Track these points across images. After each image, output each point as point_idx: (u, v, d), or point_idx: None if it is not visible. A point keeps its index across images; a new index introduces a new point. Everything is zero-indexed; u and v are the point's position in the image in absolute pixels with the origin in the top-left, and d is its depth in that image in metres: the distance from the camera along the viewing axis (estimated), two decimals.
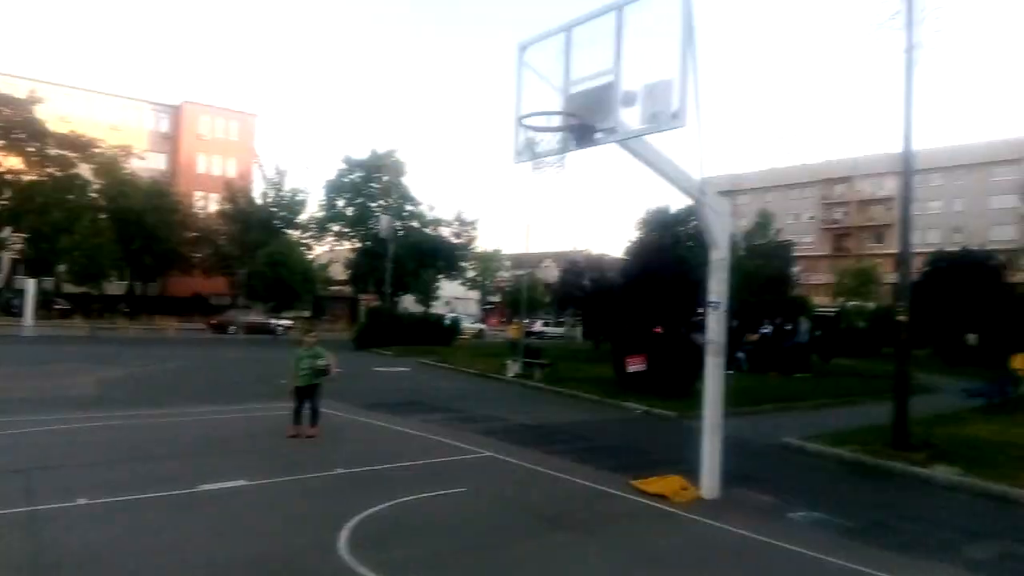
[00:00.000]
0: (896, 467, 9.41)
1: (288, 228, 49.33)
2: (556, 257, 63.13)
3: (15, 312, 37.56)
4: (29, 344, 25.59)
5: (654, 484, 7.78)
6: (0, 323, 35.41)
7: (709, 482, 7.63)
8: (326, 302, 56.00)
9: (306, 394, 10.00)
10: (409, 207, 48.35)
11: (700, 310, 11.58)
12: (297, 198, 50.09)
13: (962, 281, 29.74)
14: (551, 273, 54.05)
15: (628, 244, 33.05)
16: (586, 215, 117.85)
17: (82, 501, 6.26)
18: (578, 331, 41.76)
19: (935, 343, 30.93)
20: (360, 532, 5.77)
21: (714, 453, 7.64)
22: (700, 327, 9.50)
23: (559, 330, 48.58)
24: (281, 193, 49.85)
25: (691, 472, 7.86)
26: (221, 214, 50.24)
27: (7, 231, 43.87)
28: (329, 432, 10.15)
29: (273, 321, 38.56)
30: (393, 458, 8.76)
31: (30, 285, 33.38)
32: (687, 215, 33.21)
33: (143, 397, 13.42)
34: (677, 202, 36.40)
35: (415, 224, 48.15)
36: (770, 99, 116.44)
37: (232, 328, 36.90)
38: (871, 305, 46.87)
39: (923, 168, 55.23)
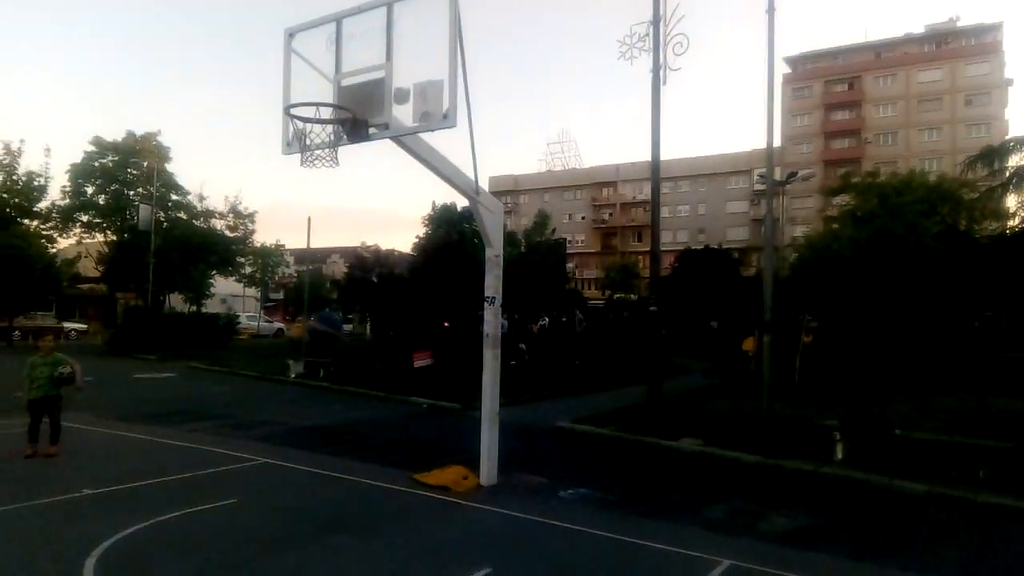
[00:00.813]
0: (650, 441, 10.54)
1: (24, 217, 42.63)
2: (344, 253, 61.53)
3: None
4: None
5: (435, 476, 7.93)
6: None
7: (487, 469, 7.94)
8: (76, 302, 49.41)
9: (44, 407, 8.77)
10: (175, 196, 44.12)
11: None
12: (35, 183, 43.44)
13: (706, 275, 34.10)
14: (339, 269, 52.53)
15: (416, 240, 33.22)
16: (373, 210, 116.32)
17: None
18: (367, 328, 41.14)
19: (684, 329, 35.07)
20: (111, 558, 5.19)
21: (492, 441, 7.96)
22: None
23: (347, 327, 47.47)
24: (15, 177, 42.90)
25: (472, 462, 8.12)
26: None
27: None
28: (77, 448, 8.99)
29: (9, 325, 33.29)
30: (153, 473, 7.97)
31: None
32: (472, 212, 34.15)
33: None
34: (463, 200, 37.27)
35: (182, 216, 44.08)
36: (547, 104, 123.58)
37: None
38: (633, 297, 51.83)
39: (673, 176, 62.49)
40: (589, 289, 61.27)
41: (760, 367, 11.89)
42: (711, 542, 6.06)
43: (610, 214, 74.83)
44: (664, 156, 12.10)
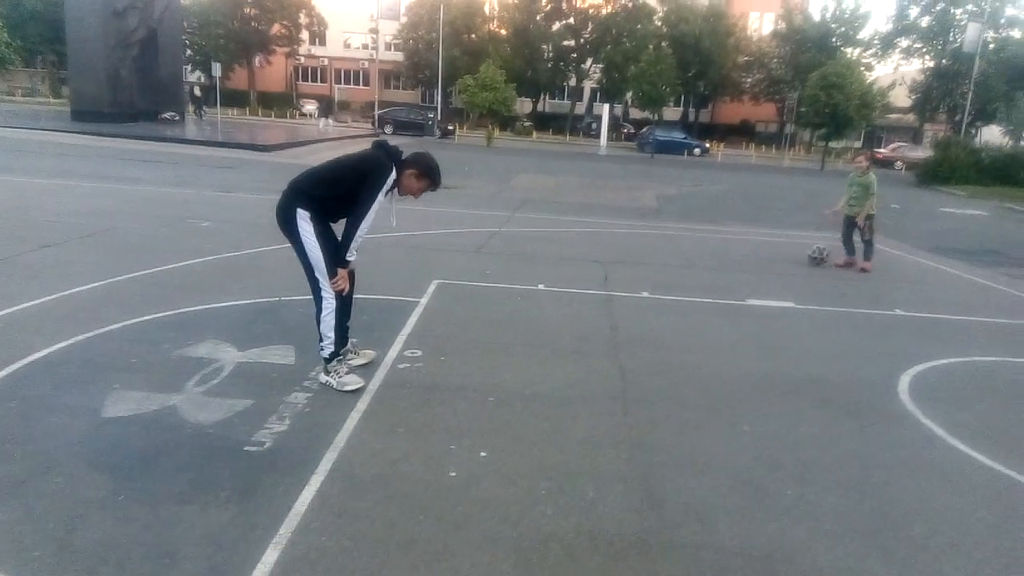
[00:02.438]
0: None
1: (846, 46, 44.54)
2: None
3: (593, 134, 44.12)
4: (603, 162, 29.85)
5: None
6: (581, 144, 42.10)
7: None
8: (882, 132, 50.11)
9: (854, 223, 9.14)
10: (1010, 10, 38.01)
11: None
12: (860, 11, 44.32)
13: None
14: None
15: None
16: None
17: (645, 294, 7.01)
18: None
19: None
20: (923, 382, 5.01)
21: None
22: None
23: None
24: (842, 6, 44.73)
25: None
26: (774, 35, 48.18)
27: (588, 62, 50.68)
28: (884, 270, 9.14)
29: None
30: (962, 310, 7.38)
31: (605, 111, 38.41)
32: None
33: (694, 213, 14.31)
34: None
35: (1015, 34, 37.88)
36: None
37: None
38: None
39: None
40: None
41: None
42: None
43: None
44: None
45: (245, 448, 3.39)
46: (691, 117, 54.89)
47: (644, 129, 42.07)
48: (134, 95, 28.30)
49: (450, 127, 39.71)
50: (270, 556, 2.60)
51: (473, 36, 49.70)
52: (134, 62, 28.33)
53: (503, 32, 51.39)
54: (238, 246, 7.83)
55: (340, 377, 4.13)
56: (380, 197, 3.94)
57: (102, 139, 21.80)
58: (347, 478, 3.19)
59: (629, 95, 48.00)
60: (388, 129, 37.00)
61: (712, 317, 6.38)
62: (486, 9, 52.61)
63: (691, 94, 52.07)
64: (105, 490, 2.95)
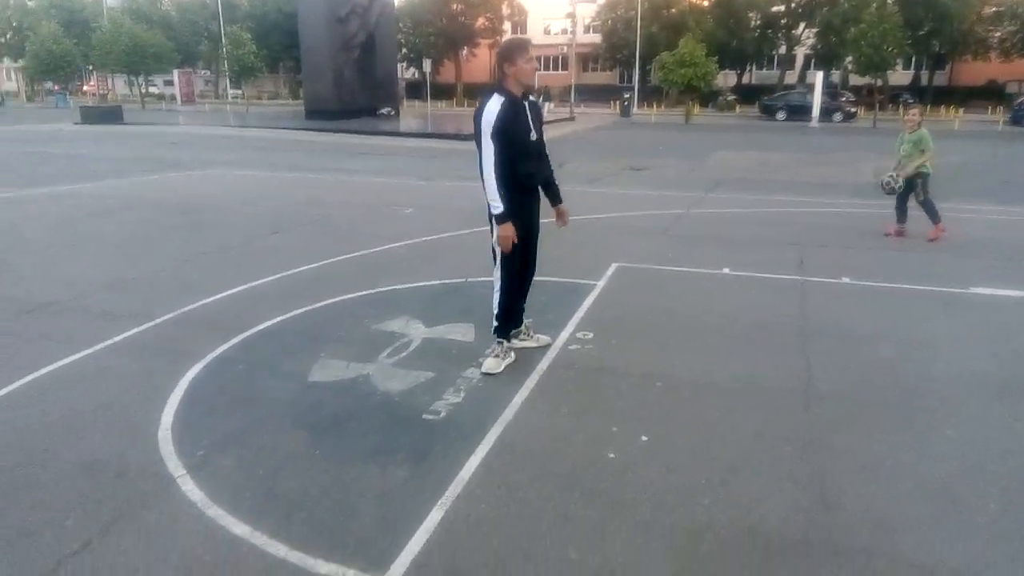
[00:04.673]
0: None
1: None
2: None
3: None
4: (815, 135, 27.56)
5: None
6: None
7: None
8: None
9: (907, 187, 8.25)
10: None
11: None
12: None
13: None
14: None
15: None
16: None
17: (845, 280, 6.43)
18: None
19: None
20: None
21: None
22: None
23: None
24: None
25: None
26: None
27: (801, 27, 46.82)
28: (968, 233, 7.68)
29: None
30: None
31: (818, 79, 35.33)
32: None
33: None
34: None
35: None
36: None
37: None
38: None
39: None
40: None
41: None
42: None
43: None
44: None
45: (423, 416, 3.69)
46: (923, 80, 48.72)
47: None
48: (356, 93, 31.21)
49: (853, 109, 36.91)
50: (435, 516, 2.82)
51: (673, 10, 48.14)
52: (355, 63, 31.22)
53: (705, 3, 49.17)
54: (435, 230, 8.40)
55: (490, 357, 4.28)
56: (487, 140, 3.76)
57: (328, 134, 24.36)
58: (511, 451, 3.36)
59: (848, 60, 43.66)
60: (780, 116, 36.57)
61: (924, 307, 5.71)
62: None
63: (924, 55, 46.15)
64: (305, 446, 3.38)
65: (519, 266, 4.21)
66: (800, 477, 3.16)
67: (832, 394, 4.02)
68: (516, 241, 3.97)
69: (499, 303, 4.25)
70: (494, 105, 3.79)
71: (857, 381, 4.20)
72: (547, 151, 4.18)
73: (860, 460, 3.31)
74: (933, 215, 8.20)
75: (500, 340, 4.33)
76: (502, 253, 4.05)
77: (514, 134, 3.83)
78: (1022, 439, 3.50)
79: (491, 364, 4.24)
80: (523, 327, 4.56)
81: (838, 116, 35.34)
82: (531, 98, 3.99)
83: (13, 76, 58.57)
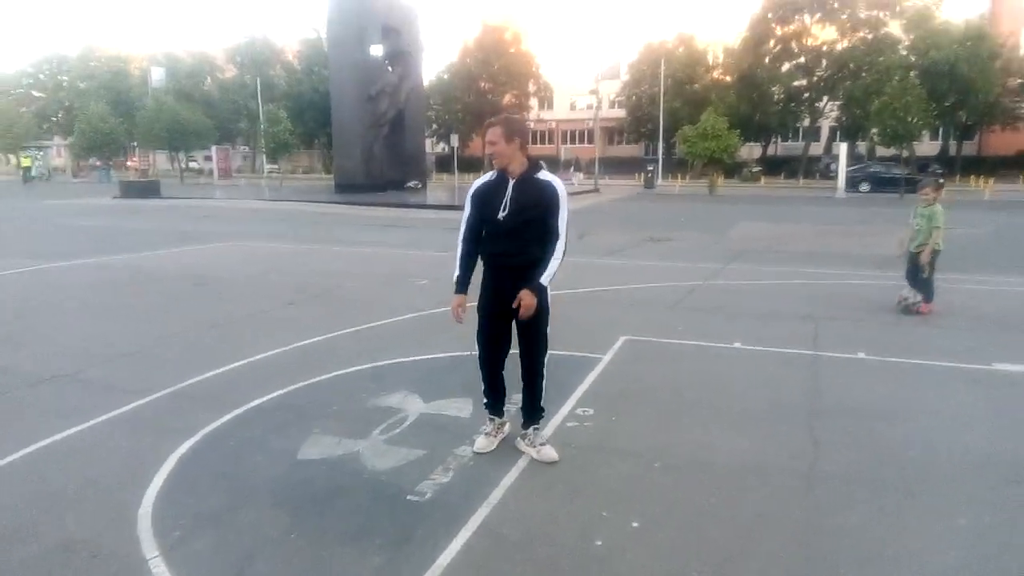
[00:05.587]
0: None
1: None
2: None
3: (832, 176, 40.89)
4: (840, 207, 27.46)
5: None
6: (816, 187, 39.25)
7: None
8: None
9: (915, 258, 8.07)
10: None
11: None
12: None
13: None
14: None
15: None
16: None
17: (861, 354, 6.23)
18: None
19: None
20: None
21: None
22: None
23: None
24: None
25: None
26: None
27: (824, 100, 47.47)
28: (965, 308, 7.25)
29: None
30: None
31: (842, 150, 35.46)
32: None
33: (943, 261, 12.54)
34: None
35: None
36: None
37: None
38: None
39: None
40: None
41: None
42: None
43: None
44: None
45: (408, 497, 3.59)
46: (951, 151, 48.61)
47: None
48: (384, 168, 32.11)
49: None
50: None
51: (696, 86, 49.23)
52: (384, 139, 32.25)
53: (727, 79, 50.22)
54: (448, 302, 8.39)
55: (481, 435, 4.22)
56: (467, 208, 4.05)
57: (356, 207, 24.95)
58: (494, 536, 3.22)
59: (873, 132, 43.92)
60: (864, 187, 35.22)
61: (943, 384, 5.49)
62: (709, 58, 51.96)
63: (950, 125, 46.20)
64: (283, 528, 3.29)
65: (498, 343, 4.08)
66: (797, 567, 2.97)
67: (838, 475, 3.83)
68: (460, 316, 4.06)
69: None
70: (474, 187, 4.02)
71: (866, 462, 4.01)
72: (550, 231, 3.80)
73: (861, 547, 3.11)
74: (928, 294, 8.02)
75: (491, 417, 4.22)
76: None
77: (482, 209, 3.91)
78: None
79: (481, 443, 4.14)
80: (494, 423, 4.23)
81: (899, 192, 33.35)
82: (540, 176, 3.81)
83: (62, 153, 61.60)
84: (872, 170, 37.56)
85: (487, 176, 3.94)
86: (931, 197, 8.12)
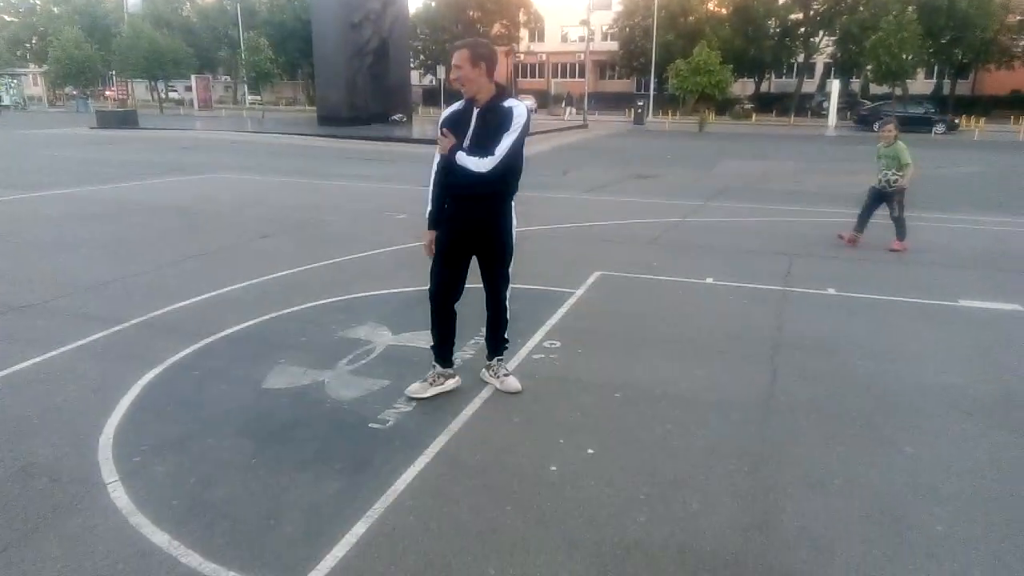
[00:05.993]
0: None
1: None
2: None
3: (823, 114, 40.46)
4: (828, 145, 27.25)
5: None
6: (808, 125, 38.86)
7: None
8: None
9: (880, 198, 8.24)
10: None
11: None
12: None
13: None
14: None
15: None
16: None
17: (831, 290, 6.29)
18: None
19: None
20: None
21: None
22: None
23: None
24: None
25: None
26: None
27: (820, 35, 46.50)
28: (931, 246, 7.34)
29: None
30: None
31: (835, 87, 34.98)
32: None
33: (921, 199, 12.53)
34: None
35: None
36: None
37: None
38: None
39: None
40: None
41: None
42: None
43: None
44: None
45: (369, 425, 3.64)
46: (945, 90, 48.05)
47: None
48: (368, 100, 31.37)
49: (956, 120, 34.56)
50: (359, 528, 2.76)
51: (690, 18, 47.99)
52: (368, 70, 31.38)
53: (723, 11, 48.95)
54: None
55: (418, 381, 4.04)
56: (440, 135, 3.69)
57: (339, 140, 24.49)
58: (451, 462, 3.29)
59: (868, 68, 43.24)
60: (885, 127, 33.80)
61: (908, 319, 5.57)
62: None
63: (946, 64, 45.52)
64: (244, 454, 3.34)
65: (451, 281, 3.87)
66: (744, 493, 3.06)
67: (796, 407, 3.91)
68: (432, 251, 3.83)
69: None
70: (452, 106, 3.81)
71: (823, 394, 4.09)
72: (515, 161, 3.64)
73: (810, 475, 3.20)
74: (902, 232, 8.08)
75: (433, 363, 4.04)
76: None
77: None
78: (980, 461, 3.36)
79: (414, 387, 3.98)
80: (439, 368, 4.04)
81: (940, 128, 32.93)
82: (505, 104, 3.61)
83: (38, 81, 59.68)
84: (890, 109, 36.33)
85: (456, 105, 3.79)
86: (892, 136, 8.10)
